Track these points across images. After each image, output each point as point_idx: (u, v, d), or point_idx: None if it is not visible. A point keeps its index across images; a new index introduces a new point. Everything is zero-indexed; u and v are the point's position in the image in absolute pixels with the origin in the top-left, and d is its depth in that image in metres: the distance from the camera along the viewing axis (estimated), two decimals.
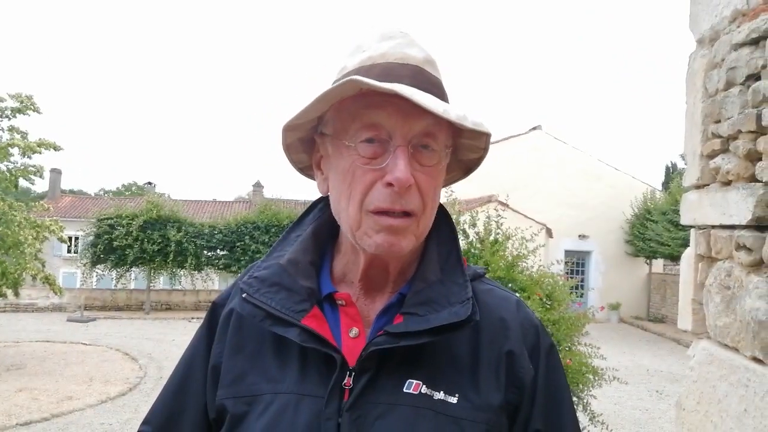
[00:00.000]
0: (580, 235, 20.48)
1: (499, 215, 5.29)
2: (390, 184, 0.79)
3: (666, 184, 25.49)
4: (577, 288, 9.63)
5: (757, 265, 1.40)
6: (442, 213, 0.94)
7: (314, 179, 0.95)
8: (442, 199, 1.02)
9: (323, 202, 0.97)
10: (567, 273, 16.52)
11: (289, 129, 0.87)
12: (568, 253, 18.76)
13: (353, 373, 0.81)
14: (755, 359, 1.38)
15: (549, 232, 17.47)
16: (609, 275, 20.62)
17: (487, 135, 0.86)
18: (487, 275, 1.00)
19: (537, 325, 0.93)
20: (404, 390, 0.81)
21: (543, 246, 5.46)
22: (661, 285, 19.98)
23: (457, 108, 0.81)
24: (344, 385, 0.80)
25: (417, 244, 0.86)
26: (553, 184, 20.02)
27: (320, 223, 0.95)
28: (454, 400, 0.82)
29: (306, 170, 0.97)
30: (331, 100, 0.81)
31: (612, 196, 20.39)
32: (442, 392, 0.82)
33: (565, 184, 20.13)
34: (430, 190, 0.83)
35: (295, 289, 0.86)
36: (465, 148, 0.91)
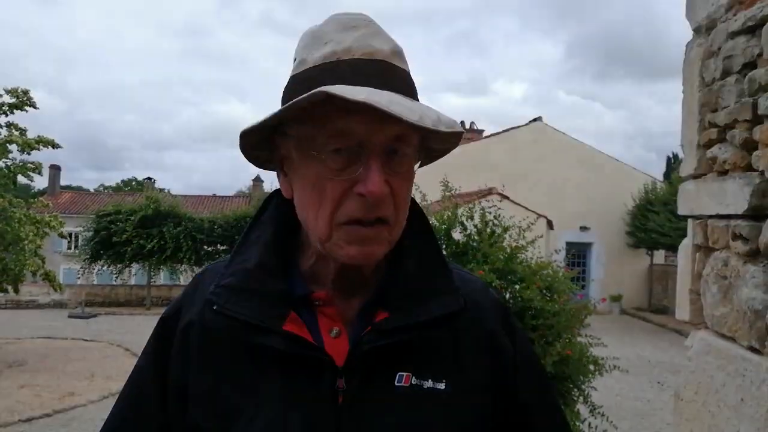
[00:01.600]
0: (581, 227, 20.45)
1: (497, 207, 5.26)
2: (363, 195, 0.74)
3: (668, 175, 25.45)
4: (578, 279, 9.63)
5: (753, 255, 1.39)
6: (411, 205, 0.89)
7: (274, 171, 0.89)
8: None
9: (278, 198, 0.91)
10: (567, 264, 16.48)
11: (247, 133, 0.80)
12: (569, 245, 18.70)
13: (344, 374, 0.79)
14: (752, 349, 1.37)
15: (550, 224, 17.44)
16: (610, 267, 20.60)
17: (460, 134, 0.80)
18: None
19: (502, 303, 0.98)
20: (396, 384, 0.80)
21: (541, 237, 5.43)
22: (662, 276, 19.96)
23: (431, 109, 0.76)
24: (336, 387, 0.79)
25: (390, 249, 0.82)
26: (553, 175, 19.97)
27: (280, 221, 0.89)
28: (442, 386, 0.82)
29: (266, 165, 0.89)
30: (296, 110, 0.73)
31: (613, 188, 20.32)
32: (430, 380, 0.82)
33: (566, 176, 20.07)
34: (402, 195, 0.79)
35: (268, 294, 0.81)
36: (434, 140, 0.84)
